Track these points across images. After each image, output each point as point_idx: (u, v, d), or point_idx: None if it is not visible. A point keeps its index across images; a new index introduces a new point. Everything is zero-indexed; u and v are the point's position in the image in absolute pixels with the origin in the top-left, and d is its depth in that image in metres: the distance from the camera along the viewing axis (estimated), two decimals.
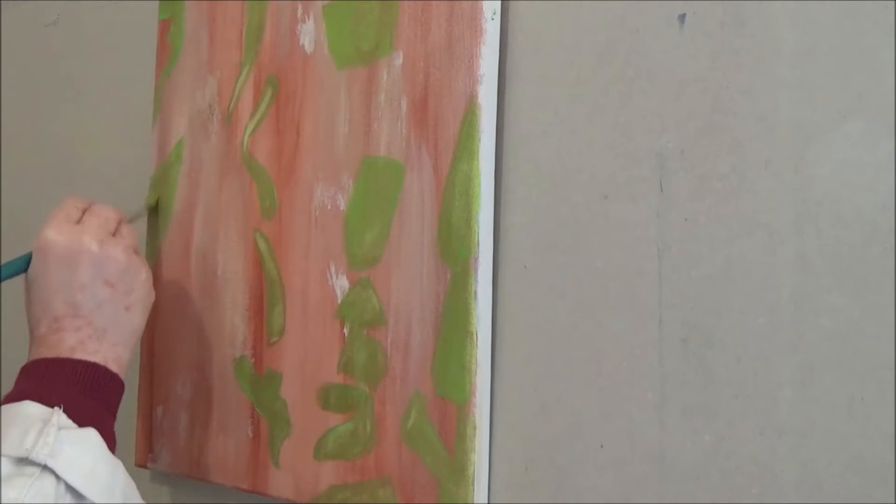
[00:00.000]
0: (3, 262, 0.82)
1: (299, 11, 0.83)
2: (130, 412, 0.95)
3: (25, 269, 0.80)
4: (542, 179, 0.69)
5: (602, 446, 0.65)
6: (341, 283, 0.78)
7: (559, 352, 0.68)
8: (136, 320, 0.80)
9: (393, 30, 0.76)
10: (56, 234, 0.78)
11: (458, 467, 0.70)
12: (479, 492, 0.70)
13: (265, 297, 0.84)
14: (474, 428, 0.69)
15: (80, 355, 0.76)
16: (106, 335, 0.77)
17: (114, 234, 0.81)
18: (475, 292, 0.70)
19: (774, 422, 0.58)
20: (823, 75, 0.57)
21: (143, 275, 0.81)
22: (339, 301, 0.78)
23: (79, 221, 0.80)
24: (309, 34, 0.82)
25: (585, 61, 0.67)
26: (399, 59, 0.75)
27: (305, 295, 0.81)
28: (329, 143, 0.80)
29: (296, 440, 0.81)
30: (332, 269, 0.79)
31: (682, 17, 0.63)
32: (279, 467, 0.82)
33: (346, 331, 0.78)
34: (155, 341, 0.94)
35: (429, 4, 0.74)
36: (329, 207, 0.80)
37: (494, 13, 0.71)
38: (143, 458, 0.94)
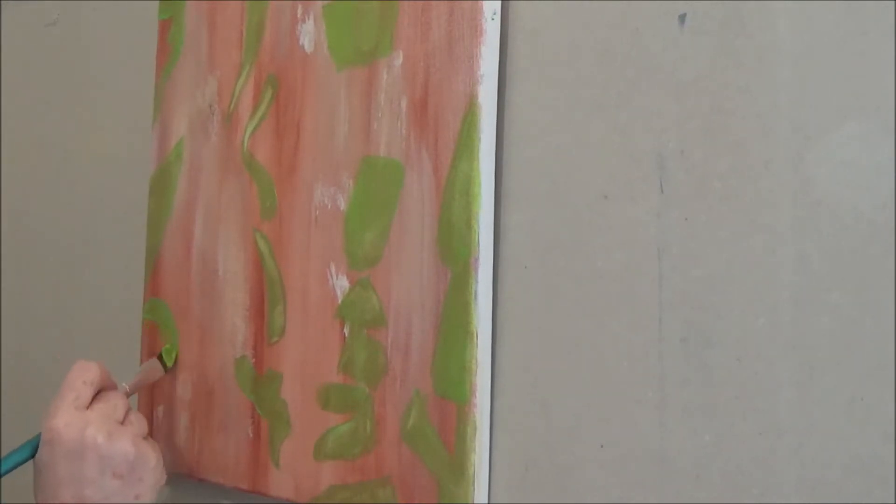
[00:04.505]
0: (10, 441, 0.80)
1: (299, 11, 0.83)
2: None
3: (33, 455, 0.78)
4: (542, 179, 0.69)
5: (602, 446, 0.65)
6: (341, 283, 0.78)
7: (559, 352, 0.68)
8: None
9: (393, 30, 0.76)
10: (63, 425, 0.77)
11: (458, 467, 0.70)
12: (479, 492, 0.70)
13: (266, 297, 0.84)
14: (474, 428, 0.69)
15: None
16: None
17: (122, 422, 0.80)
18: (475, 292, 0.70)
19: (774, 422, 0.58)
20: (823, 75, 0.57)
21: (153, 461, 0.79)
22: (340, 301, 0.78)
23: (89, 405, 0.79)
24: (309, 34, 0.82)
25: (585, 61, 0.67)
26: (399, 59, 0.75)
27: (306, 295, 0.81)
28: (329, 143, 0.80)
29: (296, 440, 0.81)
30: (332, 269, 0.79)
31: (682, 17, 0.63)
32: (279, 467, 0.82)
33: (346, 331, 0.78)
34: (156, 340, 0.94)
35: (429, 4, 0.74)
36: (329, 207, 0.80)
37: (494, 13, 0.71)
38: None
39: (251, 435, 0.85)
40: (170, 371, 0.91)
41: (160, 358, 0.91)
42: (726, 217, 0.61)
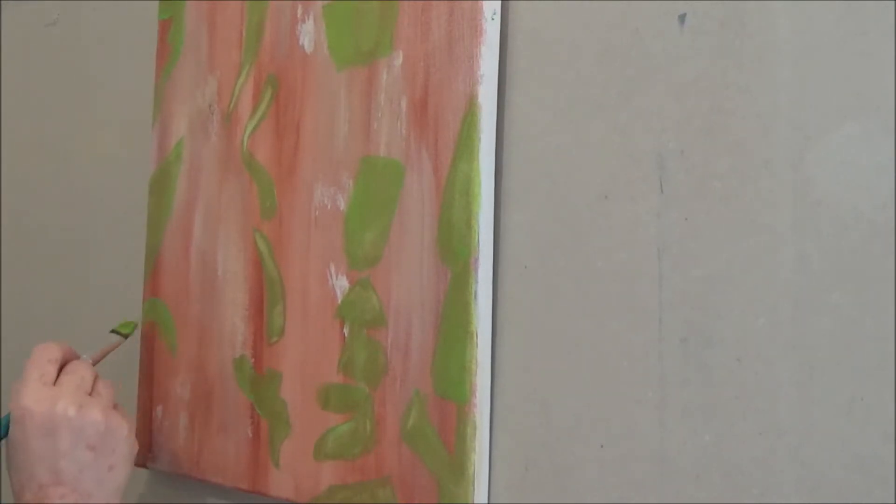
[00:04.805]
0: None
1: (299, 11, 0.83)
2: (130, 412, 0.95)
3: (5, 435, 0.78)
4: (542, 179, 0.69)
5: (602, 446, 0.65)
6: (341, 283, 0.78)
7: (559, 352, 0.68)
8: (120, 477, 0.79)
9: (393, 30, 0.76)
10: (32, 403, 0.77)
11: (458, 467, 0.70)
12: (479, 492, 0.70)
13: (265, 297, 0.84)
14: (474, 428, 0.69)
15: None
16: (91, 498, 0.77)
17: (90, 393, 0.80)
18: (475, 292, 0.70)
19: (774, 422, 0.58)
20: (823, 75, 0.57)
21: (125, 431, 0.80)
22: (339, 301, 0.78)
23: (55, 381, 0.79)
24: (309, 34, 0.82)
25: (585, 61, 0.67)
26: (399, 59, 0.75)
27: (305, 295, 0.81)
28: (329, 143, 0.80)
29: (296, 440, 0.81)
30: (332, 269, 0.79)
31: (682, 17, 0.63)
32: (279, 467, 0.82)
33: (346, 331, 0.78)
34: (155, 341, 0.94)
35: (429, 4, 0.74)
36: (329, 207, 0.80)
37: (494, 13, 0.71)
38: (143, 458, 0.94)
39: (251, 435, 0.85)
40: (130, 336, 0.91)
41: (115, 332, 0.91)
42: (726, 217, 0.61)
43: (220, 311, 0.88)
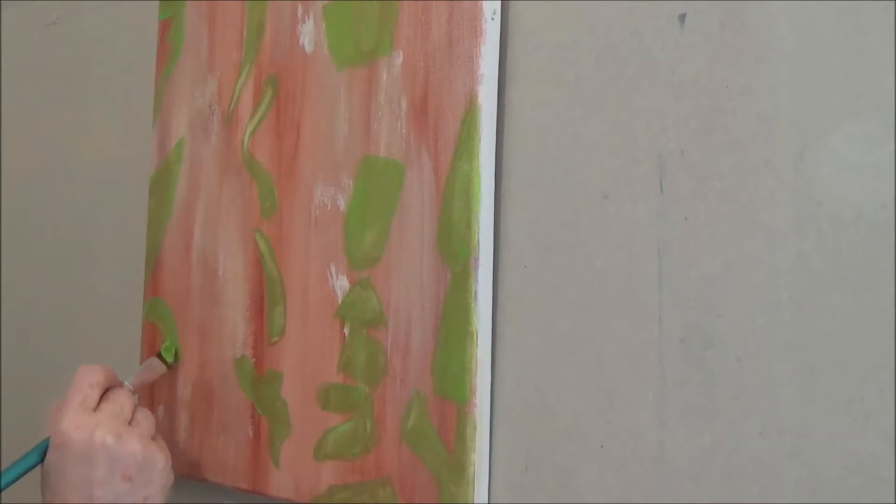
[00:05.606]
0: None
1: (299, 11, 0.83)
2: None
3: (42, 460, 0.78)
4: (542, 179, 0.69)
5: (602, 446, 0.65)
6: (341, 283, 0.78)
7: (559, 352, 0.68)
8: None
9: (393, 30, 0.76)
10: (72, 429, 0.77)
11: (458, 467, 0.70)
12: (479, 492, 0.70)
13: (265, 297, 0.84)
14: (474, 428, 0.69)
15: None
16: None
17: (130, 422, 0.80)
18: (475, 292, 0.70)
19: (774, 422, 0.58)
20: (823, 75, 0.57)
21: (161, 463, 0.79)
22: (339, 301, 0.78)
23: (96, 407, 0.79)
24: (309, 34, 0.82)
25: (585, 61, 0.67)
26: (399, 59, 0.75)
27: (306, 295, 0.81)
28: (329, 143, 0.80)
29: (296, 440, 0.81)
30: (332, 269, 0.79)
31: (682, 17, 0.63)
32: (279, 467, 0.82)
33: (346, 331, 0.78)
34: (156, 340, 0.94)
35: (429, 4, 0.74)
36: (329, 207, 0.80)
37: (494, 13, 0.71)
38: None
39: (251, 435, 0.85)
40: (172, 367, 0.91)
41: (159, 356, 0.91)
42: (726, 217, 0.61)
43: (221, 311, 0.88)
